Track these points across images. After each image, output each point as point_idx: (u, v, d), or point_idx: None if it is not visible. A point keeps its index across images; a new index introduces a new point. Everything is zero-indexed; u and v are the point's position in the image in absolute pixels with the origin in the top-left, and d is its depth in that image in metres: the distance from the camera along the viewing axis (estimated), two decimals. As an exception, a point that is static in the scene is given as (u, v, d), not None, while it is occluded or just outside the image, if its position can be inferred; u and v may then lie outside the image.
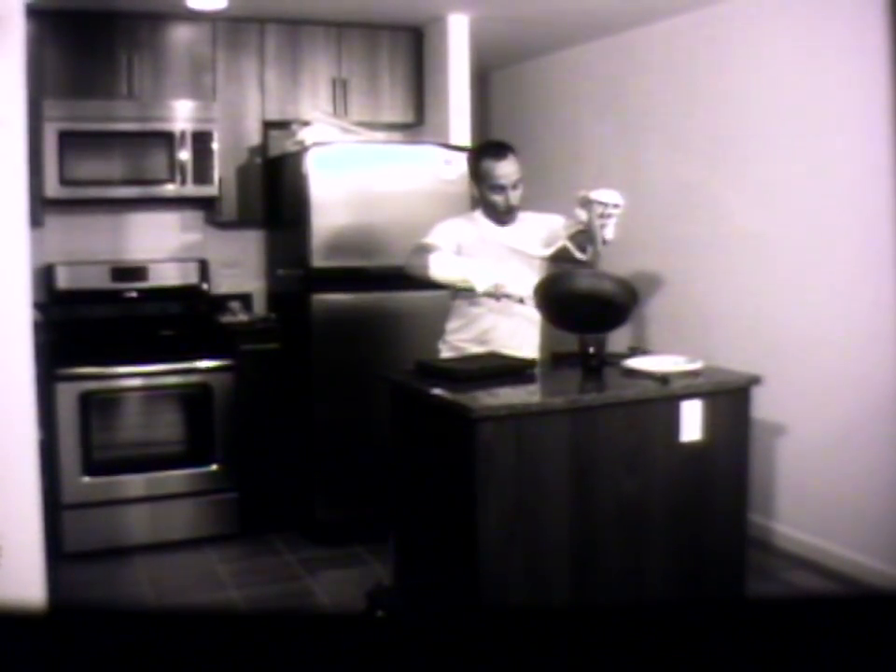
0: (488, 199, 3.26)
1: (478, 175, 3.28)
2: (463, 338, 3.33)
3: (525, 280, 3.16)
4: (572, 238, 3.08)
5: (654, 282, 4.62)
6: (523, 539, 2.72)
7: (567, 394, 2.93)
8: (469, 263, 3.12)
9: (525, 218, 3.32)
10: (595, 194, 2.96)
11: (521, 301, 3.14)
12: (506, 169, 3.22)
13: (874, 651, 0.72)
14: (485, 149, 3.37)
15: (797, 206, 3.94)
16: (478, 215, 3.34)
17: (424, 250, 3.16)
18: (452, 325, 3.38)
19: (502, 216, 3.27)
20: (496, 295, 3.10)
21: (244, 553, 4.17)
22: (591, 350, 3.01)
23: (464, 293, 3.22)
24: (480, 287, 3.07)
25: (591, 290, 2.97)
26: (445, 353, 3.37)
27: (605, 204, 2.94)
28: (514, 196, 3.24)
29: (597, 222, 2.94)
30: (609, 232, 2.99)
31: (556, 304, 3.04)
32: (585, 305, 2.97)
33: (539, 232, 3.28)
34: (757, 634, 0.74)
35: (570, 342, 3.14)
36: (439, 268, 3.10)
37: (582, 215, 2.98)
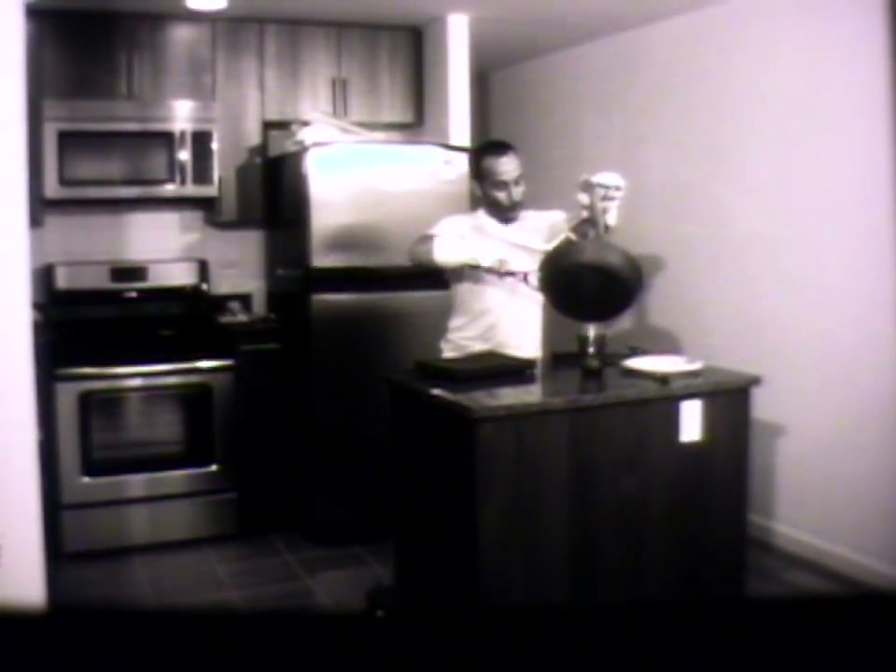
0: (491, 196, 3.29)
1: (480, 174, 3.32)
2: (466, 335, 3.34)
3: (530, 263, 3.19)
4: (575, 229, 3.11)
5: (654, 281, 4.62)
6: (523, 539, 2.72)
7: (567, 394, 2.93)
8: (472, 244, 3.16)
9: (528, 217, 3.35)
10: (597, 177, 2.98)
11: (525, 277, 3.16)
12: (507, 166, 3.26)
13: (874, 652, 0.72)
14: (487, 148, 3.43)
15: (797, 206, 3.94)
16: (481, 214, 3.36)
17: (428, 239, 3.20)
18: (454, 323, 3.39)
19: (506, 212, 3.29)
20: (499, 272, 3.12)
21: (243, 554, 4.17)
22: (591, 350, 3.01)
23: (468, 276, 3.25)
24: (484, 262, 3.09)
25: (597, 261, 2.98)
26: (448, 352, 3.38)
27: (607, 187, 2.96)
28: (517, 192, 3.27)
29: (600, 205, 2.96)
30: (611, 218, 3.00)
31: (562, 277, 3.04)
32: (590, 278, 2.98)
33: (542, 229, 3.30)
34: (756, 634, 0.74)
35: (570, 341, 3.14)
36: (443, 250, 3.13)
37: (584, 199, 3.00)
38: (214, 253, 4.86)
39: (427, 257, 3.16)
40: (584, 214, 3.02)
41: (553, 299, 3.12)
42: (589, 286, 2.98)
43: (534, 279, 3.13)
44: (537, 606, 2.66)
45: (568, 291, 3.04)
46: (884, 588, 3.53)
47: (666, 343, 4.39)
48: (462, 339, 3.35)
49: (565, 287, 3.04)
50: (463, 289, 3.34)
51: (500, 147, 3.33)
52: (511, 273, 3.14)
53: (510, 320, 3.31)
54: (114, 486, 4.16)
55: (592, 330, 3.01)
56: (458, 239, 3.19)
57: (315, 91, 4.76)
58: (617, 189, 2.96)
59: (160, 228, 4.78)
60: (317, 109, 4.67)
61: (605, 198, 2.96)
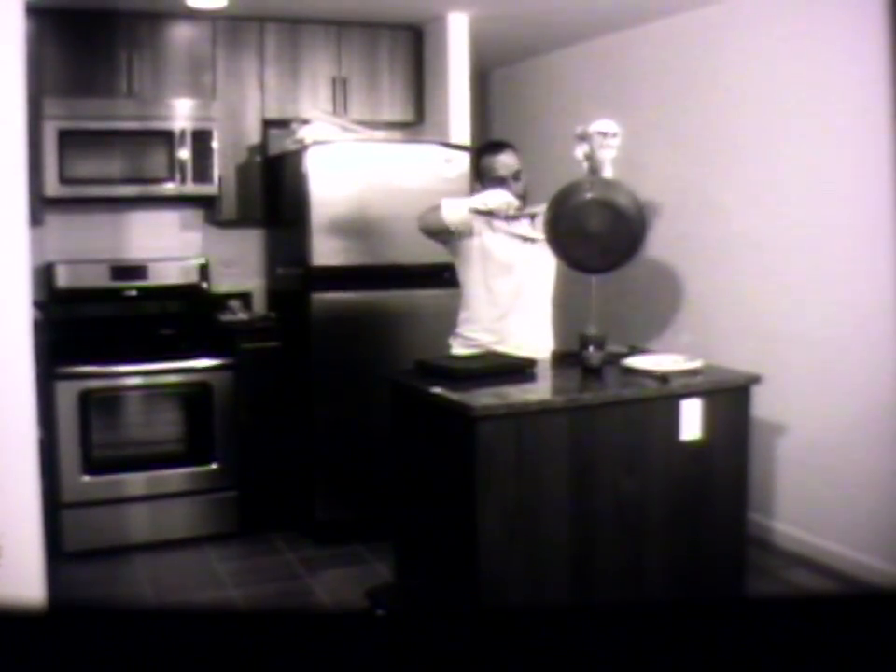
0: None
1: (480, 173, 3.41)
2: (474, 328, 3.37)
3: (538, 269, 3.24)
4: None
5: (654, 281, 4.62)
6: (523, 539, 2.72)
7: (567, 393, 2.93)
8: (478, 195, 3.25)
9: (533, 212, 3.38)
10: (594, 125, 3.04)
11: (532, 217, 3.22)
12: (504, 161, 3.34)
13: (874, 651, 0.72)
14: (485, 147, 3.55)
15: (797, 205, 3.93)
16: None
17: (435, 207, 3.31)
18: (462, 316, 3.43)
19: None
20: (506, 214, 3.16)
21: (243, 552, 4.17)
22: (591, 349, 3.01)
23: (477, 232, 3.29)
24: (491, 203, 3.17)
25: (604, 197, 3.04)
26: (456, 347, 3.40)
27: (604, 134, 3.00)
28: (516, 187, 3.32)
29: (599, 153, 2.99)
30: (607, 172, 3.03)
31: (568, 215, 3.06)
32: (597, 216, 3.03)
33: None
34: (757, 633, 0.74)
35: (571, 341, 3.14)
36: (450, 207, 3.24)
37: (584, 148, 3.04)
38: (214, 251, 4.86)
39: (436, 219, 3.26)
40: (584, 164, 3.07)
41: (558, 242, 3.12)
42: (595, 224, 3.02)
43: (541, 221, 3.18)
44: (536, 605, 2.66)
45: (574, 233, 3.06)
46: (884, 586, 3.53)
47: (666, 342, 4.39)
48: (470, 332, 3.37)
49: (570, 229, 3.06)
50: (471, 280, 3.36)
51: (497, 145, 3.44)
52: (516, 218, 3.18)
53: (518, 312, 3.32)
54: (114, 485, 4.15)
55: (592, 329, 3.02)
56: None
57: (316, 90, 4.76)
58: (614, 136, 3.02)
59: (160, 226, 4.78)
60: (317, 108, 4.67)
61: (603, 146, 3.00)
